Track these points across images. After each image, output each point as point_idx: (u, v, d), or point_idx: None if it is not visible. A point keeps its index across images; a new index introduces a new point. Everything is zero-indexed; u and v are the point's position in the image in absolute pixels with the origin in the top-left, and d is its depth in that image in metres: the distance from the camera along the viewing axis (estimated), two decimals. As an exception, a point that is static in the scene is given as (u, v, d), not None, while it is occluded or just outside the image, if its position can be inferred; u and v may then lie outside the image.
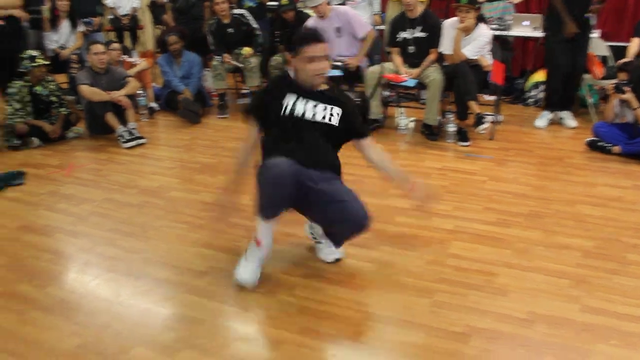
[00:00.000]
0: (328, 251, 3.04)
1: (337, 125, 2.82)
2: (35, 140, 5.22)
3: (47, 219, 3.75)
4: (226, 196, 2.98)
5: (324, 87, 2.87)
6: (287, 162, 2.60)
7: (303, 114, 2.79)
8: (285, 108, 2.80)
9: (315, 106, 2.81)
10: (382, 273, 2.91)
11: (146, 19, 8.30)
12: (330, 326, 2.50)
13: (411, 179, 2.91)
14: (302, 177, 2.64)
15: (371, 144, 2.95)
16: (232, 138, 5.31)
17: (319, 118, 2.79)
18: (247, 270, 2.81)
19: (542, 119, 5.37)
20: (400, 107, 5.78)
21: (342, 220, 2.72)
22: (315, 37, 2.75)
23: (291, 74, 2.86)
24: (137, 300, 2.77)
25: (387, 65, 5.28)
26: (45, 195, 4.15)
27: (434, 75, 4.93)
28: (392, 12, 6.17)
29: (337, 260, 3.03)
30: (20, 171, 4.48)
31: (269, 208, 2.69)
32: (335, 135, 2.85)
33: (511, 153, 4.66)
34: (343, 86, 5.44)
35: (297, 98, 2.81)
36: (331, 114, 2.81)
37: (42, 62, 5.17)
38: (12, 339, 2.51)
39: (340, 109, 2.84)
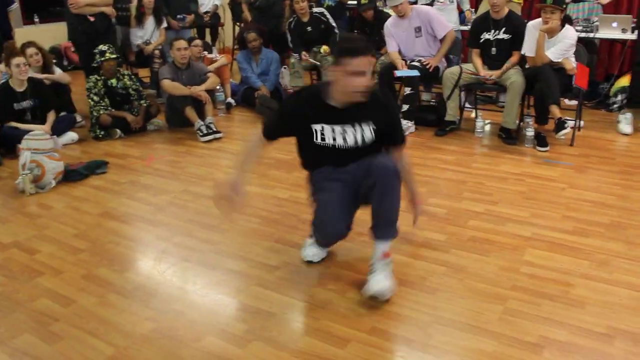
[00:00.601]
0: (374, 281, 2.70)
1: (373, 138, 2.74)
2: (118, 132, 5.44)
3: (127, 207, 3.90)
4: (231, 191, 2.79)
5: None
6: (338, 216, 2.74)
7: (334, 143, 2.74)
8: (316, 134, 2.75)
9: (344, 131, 2.72)
10: (454, 277, 2.87)
11: (226, 16, 8.51)
12: (399, 327, 2.48)
13: (420, 194, 3.05)
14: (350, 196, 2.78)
15: (402, 153, 2.86)
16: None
17: (351, 143, 2.73)
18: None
19: (627, 123, 5.14)
20: (477, 109, 5.67)
21: (371, 174, 2.62)
22: (360, 49, 2.50)
23: (327, 82, 2.73)
24: (210, 290, 2.84)
25: (467, 66, 5.19)
26: (126, 184, 4.31)
27: (514, 77, 4.81)
28: (484, 10, 6.04)
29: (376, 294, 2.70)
30: (104, 161, 4.68)
31: (328, 245, 3.04)
32: (374, 144, 2.78)
33: (592, 160, 4.49)
34: (420, 87, 5.39)
35: (325, 125, 2.73)
36: (363, 135, 2.72)
37: (110, 56, 5.36)
38: (93, 319, 2.62)
39: (372, 122, 2.72)
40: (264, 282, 2.89)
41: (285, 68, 6.60)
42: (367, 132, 2.73)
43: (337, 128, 2.72)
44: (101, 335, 2.51)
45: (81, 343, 2.46)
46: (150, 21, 6.77)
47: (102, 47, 5.39)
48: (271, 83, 6.24)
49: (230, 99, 6.39)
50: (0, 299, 2.85)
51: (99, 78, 5.38)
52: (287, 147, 4.93)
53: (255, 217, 3.65)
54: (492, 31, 5.03)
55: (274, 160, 4.70)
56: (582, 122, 5.22)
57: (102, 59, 5.34)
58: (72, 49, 8.15)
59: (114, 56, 5.39)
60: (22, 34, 7.03)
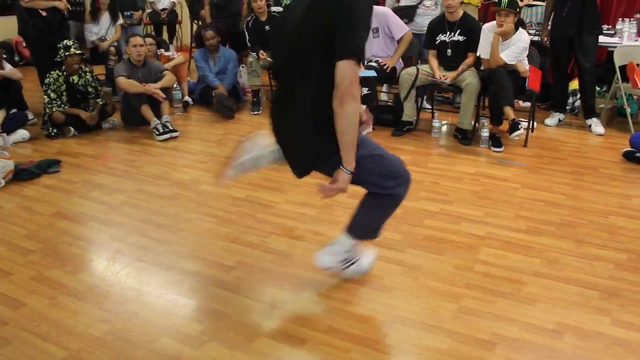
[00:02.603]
0: (364, 260, 2.89)
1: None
2: (72, 130, 5.32)
3: (80, 207, 3.82)
4: None
5: None
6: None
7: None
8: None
9: None
10: (409, 276, 2.90)
11: (184, 13, 8.41)
12: (355, 326, 2.49)
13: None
14: None
15: (342, 73, 2.17)
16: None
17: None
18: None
19: (597, 125, 5.31)
20: (434, 110, 5.75)
21: None
22: None
23: None
24: (165, 291, 2.81)
25: (424, 67, 5.25)
26: (80, 183, 4.22)
27: (470, 79, 4.89)
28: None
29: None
30: (56, 159, 4.57)
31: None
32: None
33: (545, 161, 4.59)
34: (380, 87, 5.43)
35: None
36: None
37: (75, 51, 5.25)
38: (44, 322, 2.56)
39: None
40: (219, 282, 2.87)
41: (243, 67, 6.56)
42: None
43: None
44: (52, 339, 2.45)
45: (31, 347, 2.40)
46: (105, 17, 6.65)
47: (67, 42, 5.26)
48: (229, 82, 6.20)
49: (187, 98, 6.32)
50: (-55, 301, 2.76)
51: (60, 74, 5.25)
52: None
53: (210, 216, 3.62)
54: (448, 33, 5.11)
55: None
56: (535, 124, 5.34)
57: (67, 53, 5.20)
58: (24, 44, 7.96)
59: (78, 52, 5.27)
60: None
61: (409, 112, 5.28)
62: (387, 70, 5.34)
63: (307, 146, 2.42)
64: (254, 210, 3.68)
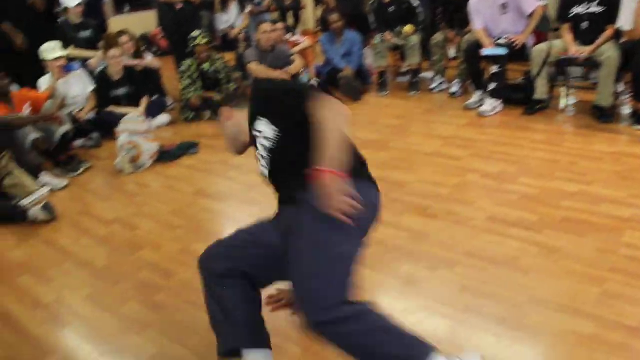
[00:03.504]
0: None
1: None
2: (208, 113, 5.60)
3: (219, 186, 4.04)
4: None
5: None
6: None
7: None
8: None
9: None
10: (548, 257, 2.81)
11: (307, -1, 8.57)
12: (493, 307, 2.47)
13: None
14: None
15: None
16: (392, 115, 5.34)
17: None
18: None
19: None
20: (569, 87, 5.47)
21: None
22: None
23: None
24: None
25: (556, 42, 5.01)
26: (217, 163, 4.46)
27: (609, 52, 4.60)
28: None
29: None
30: (195, 142, 4.85)
31: None
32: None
33: (696, 139, 4.25)
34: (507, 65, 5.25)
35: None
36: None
37: (201, 41, 5.51)
38: (193, 291, 2.74)
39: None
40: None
41: (368, 49, 6.58)
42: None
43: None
44: (201, 306, 2.62)
45: (183, 312, 2.60)
46: (234, 6, 6.93)
47: (195, 33, 5.56)
48: (355, 64, 6.24)
49: (314, 81, 6.44)
50: (107, 270, 3.04)
51: (193, 62, 5.56)
52: (372, 127, 4.97)
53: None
54: (584, 4, 4.82)
55: (360, 140, 4.71)
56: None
57: (195, 44, 5.50)
58: (161, 35, 8.45)
59: (204, 41, 5.55)
60: (114, 23, 7.35)
61: (541, 90, 5.07)
62: (517, 48, 5.15)
63: None
64: (387, 189, 3.68)
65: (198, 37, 5.52)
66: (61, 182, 4.25)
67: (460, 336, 2.31)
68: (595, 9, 4.77)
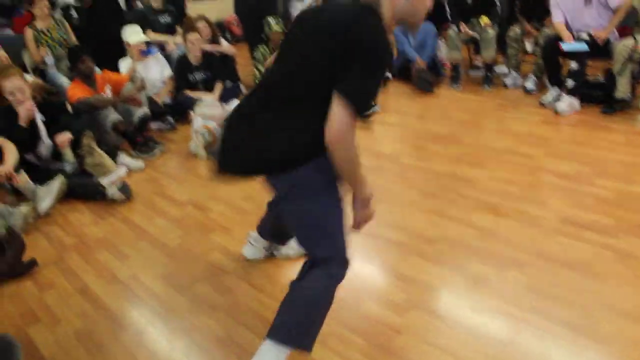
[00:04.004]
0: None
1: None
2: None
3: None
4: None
5: None
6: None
7: None
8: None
9: None
10: (623, 264, 2.72)
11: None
12: (562, 311, 2.41)
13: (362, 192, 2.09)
14: None
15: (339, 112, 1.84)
16: (464, 110, 5.26)
17: None
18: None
19: None
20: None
21: None
22: None
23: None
24: (370, 259, 2.93)
25: (643, 39, 4.80)
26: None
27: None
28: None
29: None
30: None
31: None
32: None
33: None
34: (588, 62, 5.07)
35: None
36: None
37: (277, 27, 5.56)
38: (260, 275, 2.82)
39: None
40: (422, 253, 2.93)
41: (442, 40, 6.49)
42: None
43: None
44: (267, 292, 2.70)
45: (249, 297, 2.67)
46: (310, -6, 6.95)
47: (270, 20, 5.62)
48: (427, 55, 6.17)
49: (386, 73, 6.40)
50: (179, 250, 3.15)
51: (266, 49, 5.63)
52: (443, 122, 4.92)
53: (413, 189, 3.68)
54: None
55: (430, 134, 4.68)
56: None
57: (270, 30, 5.57)
58: (235, 22, 8.59)
59: (278, 28, 5.61)
60: (192, 9, 7.52)
61: (623, 89, 4.87)
62: (600, 43, 4.96)
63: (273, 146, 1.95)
64: (457, 185, 3.67)
65: (272, 23, 5.58)
66: (138, 163, 4.41)
67: (525, 338, 2.27)
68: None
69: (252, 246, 2.97)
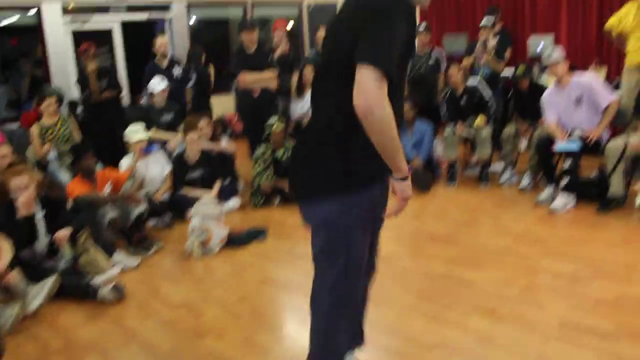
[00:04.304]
0: None
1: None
2: (277, 199, 5.72)
3: (286, 276, 4.06)
4: None
5: None
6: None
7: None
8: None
9: None
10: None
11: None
12: None
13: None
14: None
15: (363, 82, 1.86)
16: (461, 208, 5.28)
17: None
18: None
19: None
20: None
21: None
22: None
23: None
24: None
25: (634, 137, 4.89)
26: (284, 252, 4.50)
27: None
28: (629, 78, 5.75)
29: None
30: (263, 229, 4.92)
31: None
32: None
33: None
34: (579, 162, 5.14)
35: None
36: None
37: (278, 128, 5.69)
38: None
39: None
40: (419, 360, 2.85)
41: (438, 139, 6.62)
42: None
43: None
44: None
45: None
46: (309, 93, 7.14)
47: (271, 120, 5.76)
48: (424, 154, 6.27)
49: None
50: (170, 356, 3.08)
51: (267, 148, 5.74)
52: (441, 222, 4.93)
53: (409, 292, 3.63)
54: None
55: (428, 233, 4.68)
56: None
57: (272, 131, 5.70)
58: (236, 119, 8.78)
59: (280, 128, 5.74)
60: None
61: (616, 187, 4.92)
62: (591, 143, 5.05)
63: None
64: (454, 287, 3.63)
65: (274, 123, 5.72)
66: (133, 261, 4.38)
67: None
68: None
69: None
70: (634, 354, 2.78)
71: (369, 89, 1.79)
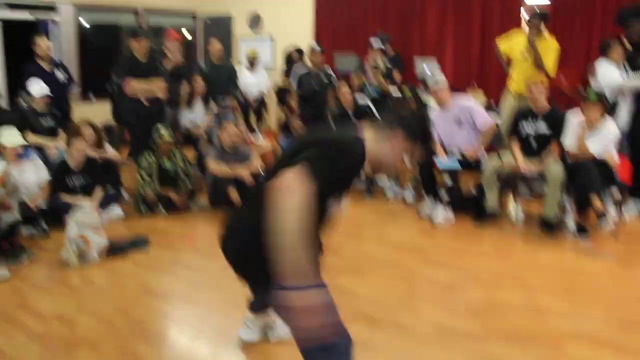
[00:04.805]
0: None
1: None
2: (162, 209, 5.58)
3: (168, 284, 3.96)
4: None
5: None
6: None
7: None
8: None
9: None
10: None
11: (272, 100, 8.81)
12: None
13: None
14: None
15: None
16: (346, 220, 5.34)
17: None
18: None
19: None
20: (517, 199, 5.66)
21: None
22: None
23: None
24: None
25: (506, 156, 5.22)
26: (167, 261, 4.39)
27: (554, 167, 4.80)
28: (510, 102, 6.15)
29: None
30: (145, 238, 4.77)
31: None
32: None
33: (638, 256, 4.39)
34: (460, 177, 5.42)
35: None
36: None
37: (168, 139, 5.59)
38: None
39: None
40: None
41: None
42: None
43: None
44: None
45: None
46: (199, 104, 7.06)
47: (161, 130, 5.63)
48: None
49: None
50: (38, 371, 2.89)
51: (152, 158, 5.59)
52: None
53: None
54: (532, 124, 5.08)
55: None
56: (627, 216, 5.14)
57: (160, 139, 5.57)
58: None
59: (170, 139, 5.63)
60: (78, 110, 7.39)
61: (492, 202, 5.22)
62: (471, 161, 5.34)
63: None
64: (335, 296, 3.65)
65: (165, 134, 5.59)
66: (2, 272, 4.11)
67: None
68: (543, 131, 5.02)
69: (248, 328, 3.02)
70: (500, 353, 2.94)
71: (291, 177, 1.76)
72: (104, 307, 3.58)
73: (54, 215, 5.06)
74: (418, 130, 2.22)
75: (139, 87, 6.13)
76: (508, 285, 3.82)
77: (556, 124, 4.96)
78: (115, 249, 4.48)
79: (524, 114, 5.18)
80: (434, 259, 4.32)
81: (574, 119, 4.84)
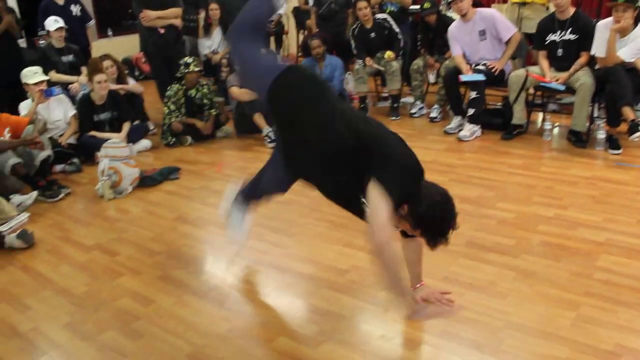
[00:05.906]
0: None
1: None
2: (189, 138, 5.63)
3: (200, 212, 4.04)
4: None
5: None
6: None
7: None
8: None
9: None
10: (524, 282, 2.84)
11: (290, 24, 8.65)
12: (469, 331, 2.49)
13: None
14: None
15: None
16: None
17: None
18: None
19: None
20: (546, 111, 5.57)
21: None
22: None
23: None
24: (282, 293, 2.92)
25: (533, 69, 5.11)
26: (198, 189, 4.47)
27: (583, 79, 4.70)
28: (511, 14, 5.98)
29: None
30: (176, 167, 4.86)
31: None
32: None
33: (669, 163, 4.35)
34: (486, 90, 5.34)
35: None
36: None
37: (194, 68, 5.56)
38: (171, 318, 2.75)
39: None
40: (334, 284, 2.94)
41: (349, 74, 6.65)
42: None
43: None
44: (180, 334, 2.63)
45: (161, 341, 2.59)
46: (217, 31, 6.97)
47: (188, 60, 5.60)
48: (336, 89, 6.30)
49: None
50: (86, 297, 3.02)
51: (180, 88, 5.59)
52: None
53: (323, 221, 3.71)
54: (558, 32, 4.94)
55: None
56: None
57: (187, 70, 5.54)
58: (143, 59, 8.48)
59: (197, 69, 5.59)
60: (97, 47, 7.36)
61: (518, 115, 5.16)
62: (496, 73, 5.24)
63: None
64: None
65: (191, 64, 5.56)
66: (29, 197, 4.23)
67: (437, 362, 2.33)
68: (569, 36, 4.88)
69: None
70: (532, 266, 2.98)
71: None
72: (141, 236, 3.69)
73: (85, 151, 5.15)
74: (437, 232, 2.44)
75: (154, 15, 6.04)
76: (538, 199, 3.82)
77: (583, 30, 4.81)
78: (147, 180, 4.57)
79: (550, 23, 5.02)
80: (462, 175, 4.32)
81: (603, 26, 4.68)
